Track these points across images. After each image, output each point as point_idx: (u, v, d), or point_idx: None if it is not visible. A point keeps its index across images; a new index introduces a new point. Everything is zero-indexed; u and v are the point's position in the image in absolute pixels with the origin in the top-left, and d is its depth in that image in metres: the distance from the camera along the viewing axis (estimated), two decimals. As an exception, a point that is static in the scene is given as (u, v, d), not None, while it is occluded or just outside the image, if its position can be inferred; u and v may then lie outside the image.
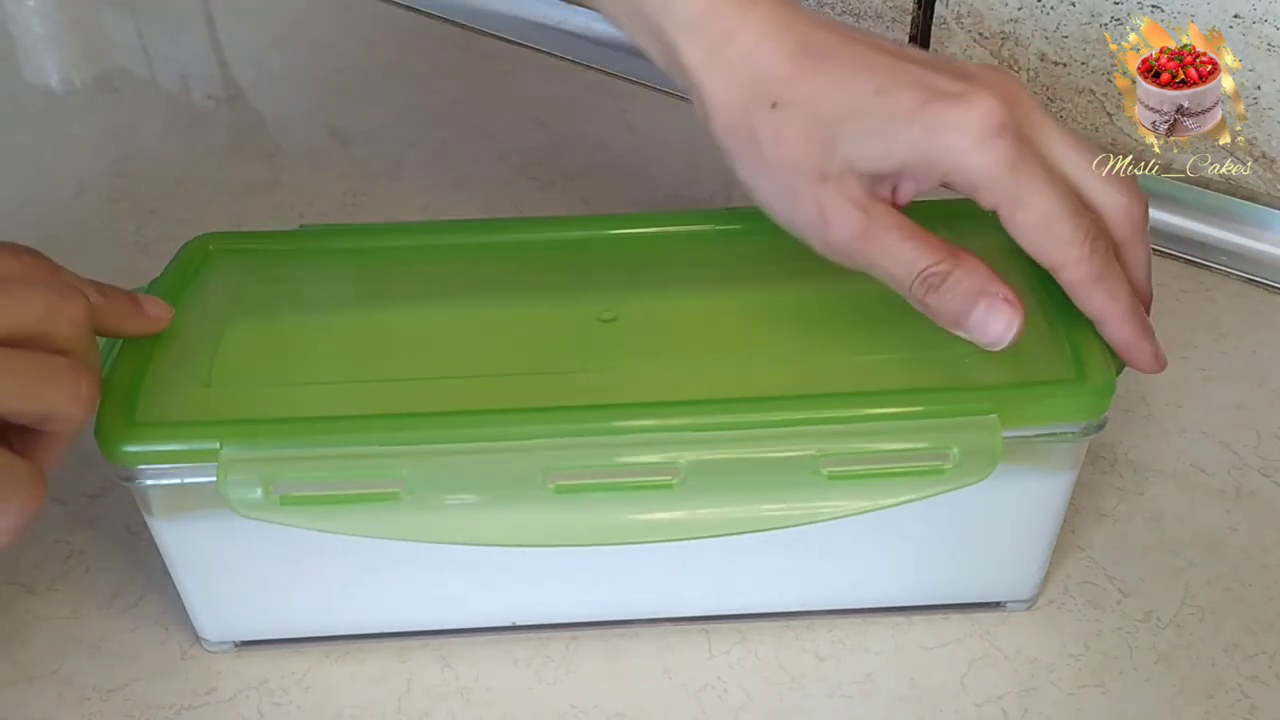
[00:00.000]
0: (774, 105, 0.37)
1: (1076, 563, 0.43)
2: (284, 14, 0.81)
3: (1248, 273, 0.56)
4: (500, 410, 0.36)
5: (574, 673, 0.40)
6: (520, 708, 0.39)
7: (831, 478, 0.36)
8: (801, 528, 0.39)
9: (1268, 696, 0.39)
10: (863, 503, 0.36)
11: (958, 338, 0.39)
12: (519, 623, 0.41)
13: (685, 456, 0.36)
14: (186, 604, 0.40)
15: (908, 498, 0.36)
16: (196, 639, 0.41)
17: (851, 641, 0.41)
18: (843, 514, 0.36)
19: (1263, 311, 0.54)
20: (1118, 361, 0.38)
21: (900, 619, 0.41)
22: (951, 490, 0.36)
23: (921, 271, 0.37)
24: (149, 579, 0.43)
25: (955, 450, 0.36)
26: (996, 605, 0.41)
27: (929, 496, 0.36)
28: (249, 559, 0.39)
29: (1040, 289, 0.40)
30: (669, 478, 0.36)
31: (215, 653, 0.41)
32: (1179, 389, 0.50)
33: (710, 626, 0.41)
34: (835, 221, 0.37)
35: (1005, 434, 0.36)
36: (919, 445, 0.36)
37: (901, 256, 0.37)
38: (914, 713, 0.39)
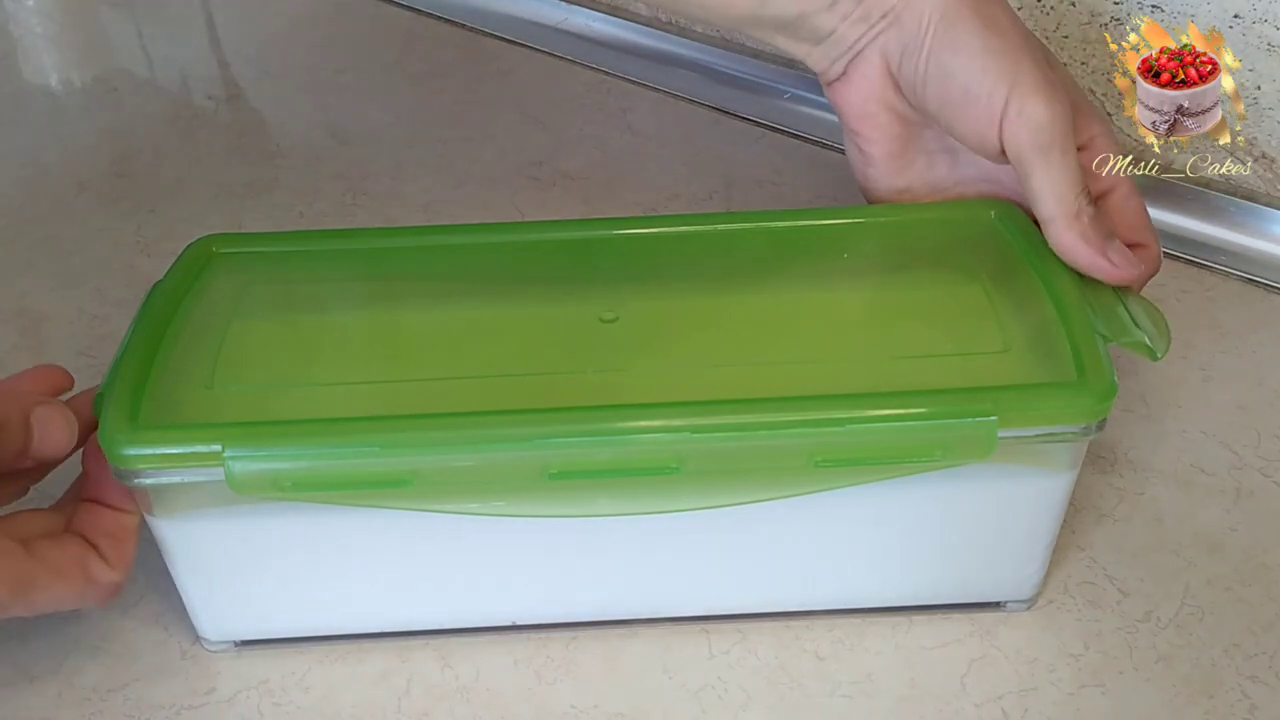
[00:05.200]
0: None
1: (1076, 563, 0.43)
2: (284, 14, 0.81)
3: (1248, 273, 0.56)
4: (505, 411, 0.36)
5: (574, 673, 0.40)
6: (520, 708, 0.39)
7: (825, 470, 0.36)
8: (802, 527, 0.39)
9: (1268, 696, 0.39)
10: (851, 480, 0.37)
11: (958, 341, 0.39)
12: (519, 622, 0.41)
13: (685, 454, 0.36)
14: (187, 604, 0.40)
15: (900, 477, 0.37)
16: (196, 639, 0.41)
17: (851, 641, 0.41)
18: (830, 487, 0.37)
19: (1263, 311, 0.54)
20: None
21: (900, 619, 0.41)
22: (944, 468, 0.36)
23: (1085, 190, 0.41)
24: (149, 579, 0.43)
25: (942, 450, 0.36)
26: (996, 605, 0.41)
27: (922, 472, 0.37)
28: (250, 558, 0.39)
29: (1045, 290, 0.40)
30: (670, 469, 0.36)
31: (215, 652, 0.41)
32: (1179, 389, 0.50)
33: (710, 626, 0.41)
34: (1036, 107, 0.41)
35: (1005, 434, 0.36)
36: (916, 444, 0.36)
37: (1076, 167, 0.41)
38: (914, 713, 0.39)
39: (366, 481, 0.36)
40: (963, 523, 0.39)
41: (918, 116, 0.46)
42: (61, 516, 0.38)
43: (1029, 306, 0.40)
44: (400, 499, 0.36)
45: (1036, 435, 0.37)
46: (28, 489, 0.39)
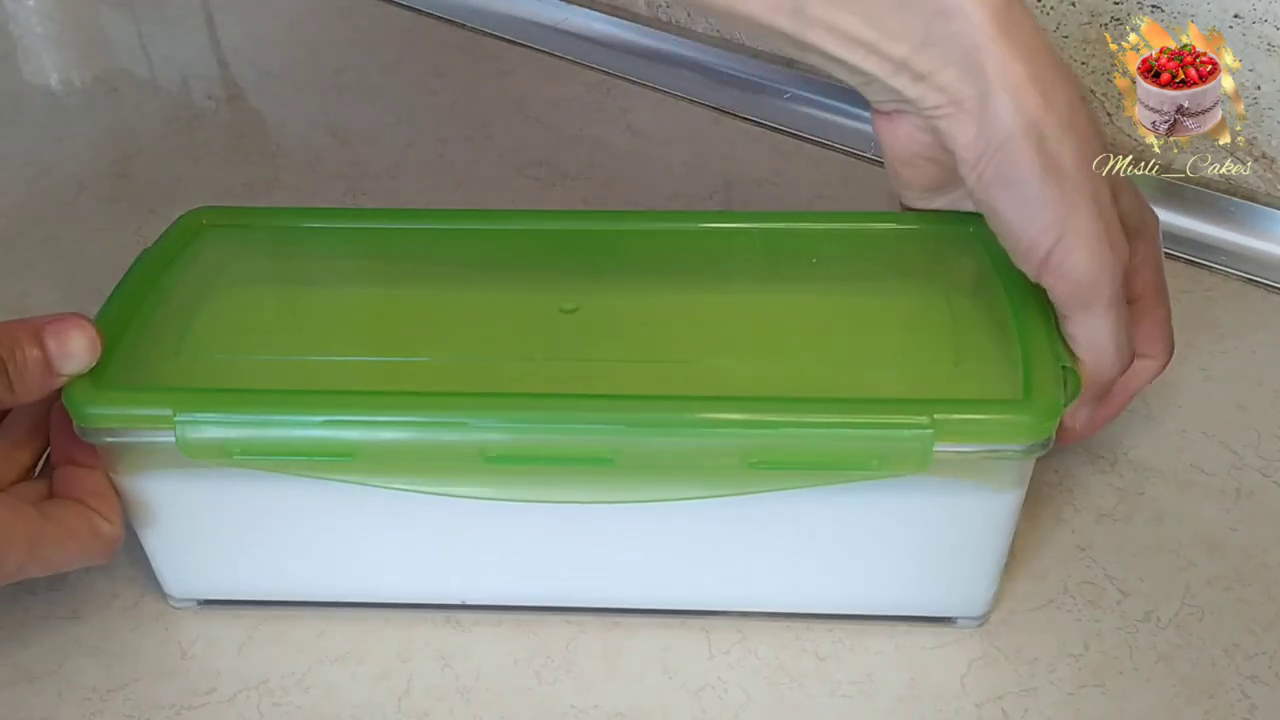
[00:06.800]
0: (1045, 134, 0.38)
1: (1076, 563, 0.43)
2: (284, 14, 0.81)
3: (1248, 273, 0.56)
4: (442, 393, 0.37)
5: (574, 672, 0.40)
6: (520, 708, 0.39)
7: (759, 472, 0.36)
8: (738, 530, 0.39)
9: (1268, 696, 0.39)
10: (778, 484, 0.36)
11: (912, 352, 0.39)
12: (468, 602, 0.42)
13: (618, 448, 0.36)
14: (152, 561, 0.41)
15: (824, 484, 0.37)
16: (164, 596, 0.42)
17: (851, 641, 0.41)
18: (764, 490, 0.36)
19: (1263, 311, 0.54)
20: (1071, 386, 0.37)
21: (900, 619, 0.41)
22: (874, 479, 0.36)
23: (1122, 353, 0.40)
24: (149, 578, 0.43)
25: (878, 460, 0.35)
26: (949, 621, 0.41)
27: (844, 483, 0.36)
28: (210, 520, 0.40)
29: (1010, 308, 0.40)
30: (602, 459, 0.36)
31: (180, 609, 0.42)
32: (1179, 389, 0.50)
33: (710, 626, 0.41)
34: (1079, 264, 0.38)
35: (943, 448, 0.35)
36: (849, 452, 0.35)
37: (1115, 324, 0.39)
38: (914, 713, 0.39)
39: (308, 452, 0.36)
40: (910, 536, 0.39)
41: None
42: (45, 483, 0.39)
43: (991, 323, 0.39)
44: (342, 472, 0.37)
45: (976, 451, 0.36)
46: (37, 464, 0.40)
